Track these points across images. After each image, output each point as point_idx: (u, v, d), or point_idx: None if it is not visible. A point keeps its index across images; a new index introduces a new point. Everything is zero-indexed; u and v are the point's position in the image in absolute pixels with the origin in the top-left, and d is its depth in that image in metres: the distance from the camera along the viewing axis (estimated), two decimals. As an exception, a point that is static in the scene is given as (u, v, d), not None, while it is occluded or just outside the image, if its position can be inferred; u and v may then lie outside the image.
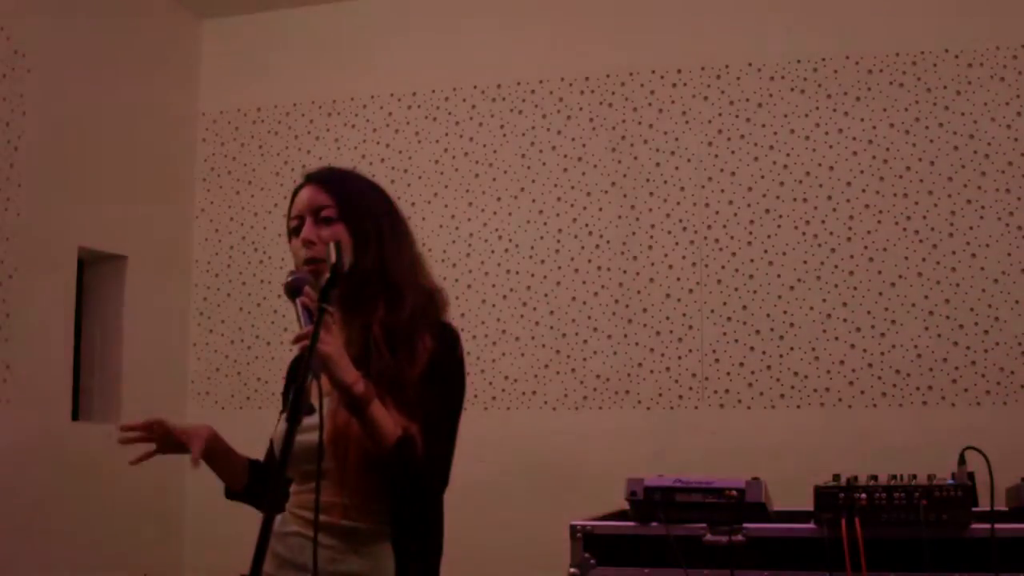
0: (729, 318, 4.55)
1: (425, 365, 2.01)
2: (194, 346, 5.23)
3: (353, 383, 1.88)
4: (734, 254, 4.57)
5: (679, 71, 4.73)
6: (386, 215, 2.11)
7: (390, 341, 2.01)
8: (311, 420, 1.81)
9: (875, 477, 2.64)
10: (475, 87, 4.98)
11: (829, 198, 4.49)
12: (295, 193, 2.13)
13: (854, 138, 4.49)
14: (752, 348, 4.50)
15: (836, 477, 2.67)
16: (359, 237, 2.03)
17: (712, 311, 4.57)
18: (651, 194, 4.70)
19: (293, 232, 2.09)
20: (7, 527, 4.04)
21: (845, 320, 4.42)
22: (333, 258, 1.91)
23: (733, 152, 4.63)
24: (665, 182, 4.69)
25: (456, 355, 2.08)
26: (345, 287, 1.93)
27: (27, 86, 4.30)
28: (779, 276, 4.51)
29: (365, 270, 2.00)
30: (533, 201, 4.85)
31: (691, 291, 4.60)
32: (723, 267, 4.58)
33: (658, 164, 4.71)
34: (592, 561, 2.74)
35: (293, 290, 1.94)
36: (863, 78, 4.50)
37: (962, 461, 2.70)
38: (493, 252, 4.87)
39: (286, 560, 2.00)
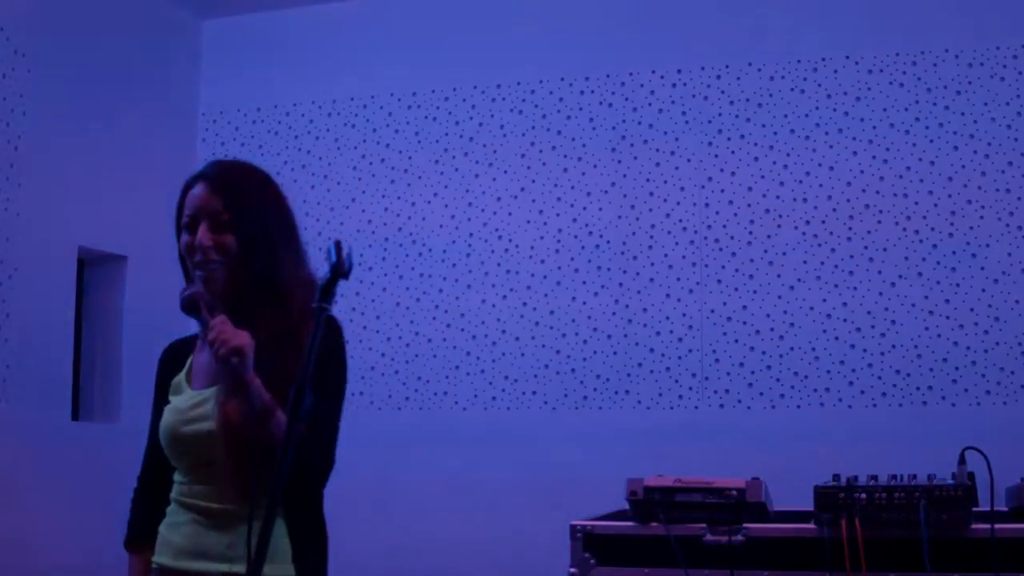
0: (729, 318, 4.54)
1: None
2: (194, 346, 5.22)
3: (244, 344, 1.92)
4: (734, 254, 4.57)
5: (679, 71, 4.73)
6: (274, 216, 2.15)
7: (277, 343, 2.01)
8: (198, 411, 1.98)
9: (875, 477, 2.64)
10: (475, 87, 4.98)
11: (829, 198, 4.49)
12: (186, 189, 2.18)
13: (854, 138, 4.48)
14: (752, 348, 4.50)
15: (836, 477, 2.67)
16: (249, 245, 2.06)
17: (712, 311, 4.57)
18: (651, 194, 4.70)
19: (185, 229, 2.14)
20: (7, 527, 4.04)
21: (845, 320, 4.41)
22: (334, 257, 1.91)
23: (733, 152, 4.62)
24: (665, 182, 4.69)
25: (332, 340, 2.05)
26: (233, 293, 2.01)
27: (27, 86, 4.30)
28: (779, 276, 4.51)
29: (253, 278, 2.03)
30: (533, 201, 4.85)
31: (691, 291, 4.60)
32: (723, 267, 4.58)
33: (658, 164, 4.71)
34: (592, 561, 2.74)
35: (191, 306, 2.05)
36: (863, 78, 4.50)
37: (962, 461, 2.70)
38: (493, 252, 4.87)
39: (184, 549, 2.03)
